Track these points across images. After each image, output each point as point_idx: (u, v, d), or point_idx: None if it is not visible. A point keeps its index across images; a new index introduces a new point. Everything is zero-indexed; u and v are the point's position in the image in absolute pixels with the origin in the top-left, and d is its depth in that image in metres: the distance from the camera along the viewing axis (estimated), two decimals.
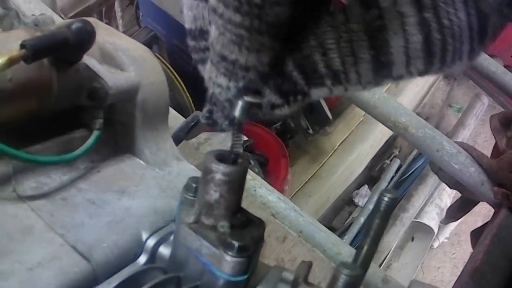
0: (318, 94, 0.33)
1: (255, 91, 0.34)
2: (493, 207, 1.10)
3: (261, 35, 0.29)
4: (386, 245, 2.23)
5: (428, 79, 2.97)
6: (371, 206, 2.37)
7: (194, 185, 0.44)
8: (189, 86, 1.62)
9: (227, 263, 0.39)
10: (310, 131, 1.92)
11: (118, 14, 2.16)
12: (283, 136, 1.93)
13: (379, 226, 0.35)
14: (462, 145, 1.13)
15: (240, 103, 0.35)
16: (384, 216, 0.35)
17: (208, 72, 0.34)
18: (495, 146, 1.16)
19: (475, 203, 1.26)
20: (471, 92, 3.10)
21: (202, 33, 0.35)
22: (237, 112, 0.35)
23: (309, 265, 0.47)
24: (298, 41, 0.31)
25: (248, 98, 0.35)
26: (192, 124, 0.87)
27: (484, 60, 1.48)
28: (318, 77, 0.32)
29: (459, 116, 2.90)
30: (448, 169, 1.11)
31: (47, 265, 0.43)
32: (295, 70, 0.32)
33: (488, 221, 1.08)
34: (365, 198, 2.47)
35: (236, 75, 0.32)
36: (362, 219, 2.28)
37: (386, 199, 0.35)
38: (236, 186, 0.40)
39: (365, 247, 0.35)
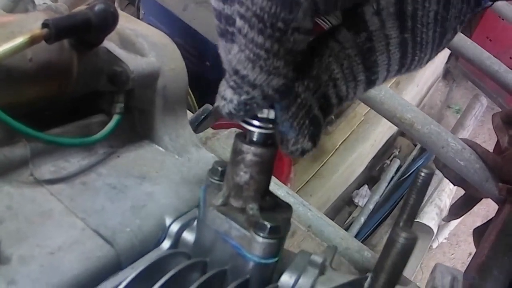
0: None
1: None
2: (497, 204, 1.10)
3: (278, 59, 0.31)
4: None
5: (428, 80, 2.99)
6: (371, 206, 2.37)
7: (220, 169, 0.43)
8: (193, 84, 1.61)
9: (258, 244, 0.38)
10: None
11: None
12: None
13: (416, 202, 0.35)
14: (466, 142, 1.13)
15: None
16: (421, 191, 0.34)
17: (220, 85, 0.36)
18: (497, 144, 1.16)
19: (478, 200, 1.27)
20: (469, 93, 3.12)
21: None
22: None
23: (335, 249, 0.47)
24: (313, 78, 0.33)
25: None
26: (203, 117, 0.86)
27: (487, 59, 1.49)
28: (330, 109, 0.34)
29: (458, 117, 2.92)
30: (453, 165, 1.11)
31: (68, 249, 0.41)
32: (318, 112, 0.34)
33: (492, 218, 1.08)
34: (365, 198, 2.47)
35: (241, 89, 0.33)
36: (362, 219, 2.28)
37: (423, 174, 0.35)
38: (267, 167, 0.39)
39: (401, 223, 0.35)
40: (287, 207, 0.43)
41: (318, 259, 0.42)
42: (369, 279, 0.38)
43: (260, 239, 0.38)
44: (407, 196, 0.35)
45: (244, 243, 0.39)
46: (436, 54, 0.35)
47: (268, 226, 0.38)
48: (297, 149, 0.34)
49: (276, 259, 0.40)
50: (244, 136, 0.39)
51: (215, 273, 0.40)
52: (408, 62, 0.34)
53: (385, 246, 0.32)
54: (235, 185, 0.40)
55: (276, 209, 0.42)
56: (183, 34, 1.75)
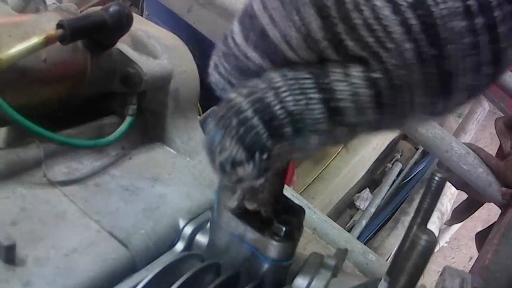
0: (280, 151, 0.29)
1: None
2: (500, 208, 1.11)
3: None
4: (387, 248, 2.23)
5: None
6: (372, 209, 2.37)
7: None
8: None
9: (273, 247, 0.38)
10: None
11: None
12: None
13: (430, 206, 0.34)
14: (470, 146, 1.13)
15: None
16: (435, 196, 0.34)
17: None
18: (500, 149, 1.16)
19: (481, 205, 1.27)
20: None
21: None
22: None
23: (346, 252, 0.47)
24: (248, 86, 0.29)
25: None
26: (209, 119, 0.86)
27: None
28: (279, 124, 0.28)
29: (459, 121, 2.91)
30: (456, 169, 1.11)
31: (84, 251, 0.41)
32: (256, 120, 0.28)
33: (495, 222, 1.09)
34: (366, 202, 2.47)
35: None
36: (363, 222, 2.28)
37: (437, 178, 0.34)
38: (281, 170, 0.40)
39: (415, 228, 0.35)
40: (300, 210, 0.43)
41: (331, 261, 0.42)
42: (383, 281, 0.38)
43: (275, 242, 0.38)
44: (421, 200, 0.35)
45: (259, 246, 0.39)
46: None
47: (284, 229, 0.38)
48: (226, 159, 0.28)
49: (290, 261, 0.40)
50: None
51: (230, 275, 0.40)
52: (388, 101, 0.27)
53: (403, 249, 0.32)
54: (250, 188, 0.40)
55: (290, 212, 0.42)
56: (187, 35, 1.75)
